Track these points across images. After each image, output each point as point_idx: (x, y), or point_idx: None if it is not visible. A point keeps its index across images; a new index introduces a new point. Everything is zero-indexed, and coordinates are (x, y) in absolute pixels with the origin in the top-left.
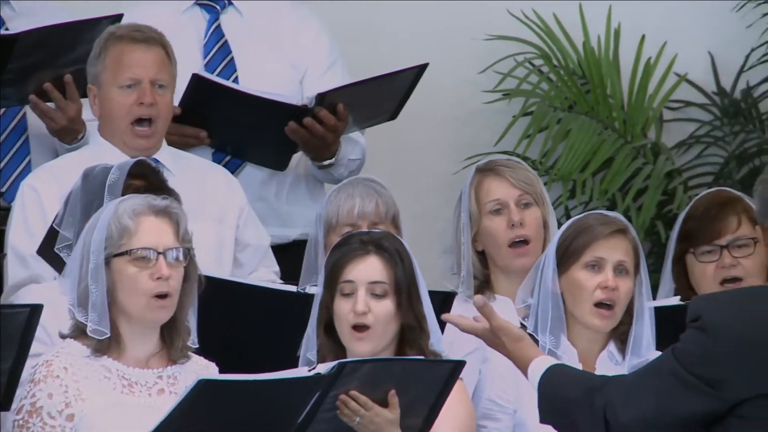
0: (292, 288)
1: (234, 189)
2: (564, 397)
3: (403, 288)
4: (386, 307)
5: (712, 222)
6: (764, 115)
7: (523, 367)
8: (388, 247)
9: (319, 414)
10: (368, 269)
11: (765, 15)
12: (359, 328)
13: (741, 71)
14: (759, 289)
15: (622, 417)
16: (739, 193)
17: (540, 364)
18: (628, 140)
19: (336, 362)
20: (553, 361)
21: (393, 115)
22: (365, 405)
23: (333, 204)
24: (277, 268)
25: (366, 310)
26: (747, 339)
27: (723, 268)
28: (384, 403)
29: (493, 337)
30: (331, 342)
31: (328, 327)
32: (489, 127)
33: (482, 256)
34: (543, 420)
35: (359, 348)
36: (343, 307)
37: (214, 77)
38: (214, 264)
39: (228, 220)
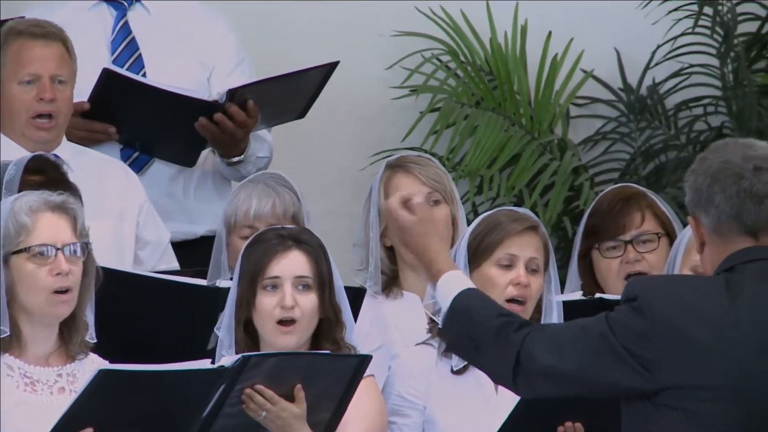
0: (201, 282)
1: (133, 185)
2: (478, 320)
3: (326, 282)
4: (311, 300)
5: (616, 217)
6: (670, 111)
7: (436, 269)
8: (310, 241)
9: (225, 408)
10: (293, 264)
11: (670, 12)
12: (285, 322)
13: (647, 68)
14: (698, 279)
15: (540, 363)
16: (642, 189)
17: (458, 280)
18: (535, 136)
19: (240, 356)
20: (470, 282)
21: (301, 114)
22: (271, 399)
23: (232, 204)
24: (176, 264)
25: (294, 305)
26: (680, 327)
27: (627, 263)
28: (290, 398)
29: (425, 226)
30: (248, 338)
31: (245, 323)
32: (396, 123)
33: (391, 251)
34: (444, 329)
35: (285, 342)
36: (267, 303)
37: (125, 72)
38: (114, 261)
39: (128, 216)
